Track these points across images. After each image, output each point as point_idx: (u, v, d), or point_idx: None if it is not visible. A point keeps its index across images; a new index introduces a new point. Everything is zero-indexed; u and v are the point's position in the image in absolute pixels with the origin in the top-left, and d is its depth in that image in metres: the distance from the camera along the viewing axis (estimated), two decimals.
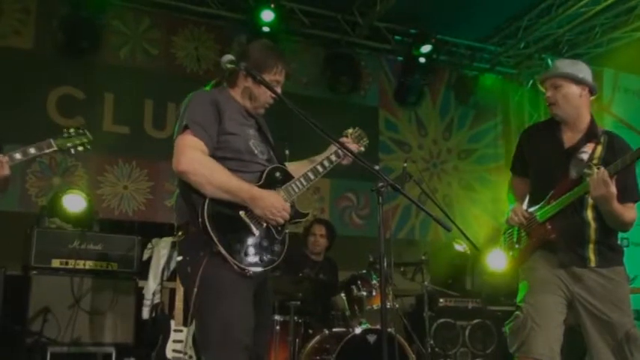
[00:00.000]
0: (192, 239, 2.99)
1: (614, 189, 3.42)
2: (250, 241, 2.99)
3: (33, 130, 6.04)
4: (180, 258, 3.10)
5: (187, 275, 2.99)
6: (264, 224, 3.05)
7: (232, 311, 2.90)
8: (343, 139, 3.54)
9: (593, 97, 3.82)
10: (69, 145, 3.62)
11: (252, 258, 2.97)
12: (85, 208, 6.40)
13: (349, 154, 3.37)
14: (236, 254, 2.91)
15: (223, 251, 2.87)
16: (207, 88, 3.32)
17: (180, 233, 3.09)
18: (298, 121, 3.09)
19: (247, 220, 2.99)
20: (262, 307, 3.17)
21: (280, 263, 3.12)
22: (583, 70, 3.76)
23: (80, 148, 3.67)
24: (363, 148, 3.68)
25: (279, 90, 3.30)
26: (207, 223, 2.88)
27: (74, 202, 6.41)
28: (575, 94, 3.72)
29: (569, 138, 3.78)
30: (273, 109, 3.42)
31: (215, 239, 2.86)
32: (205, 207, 2.91)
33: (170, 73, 7.97)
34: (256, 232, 3.00)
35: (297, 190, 3.24)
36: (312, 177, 3.34)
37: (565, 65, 3.79)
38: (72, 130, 3.66)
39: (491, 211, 9.12)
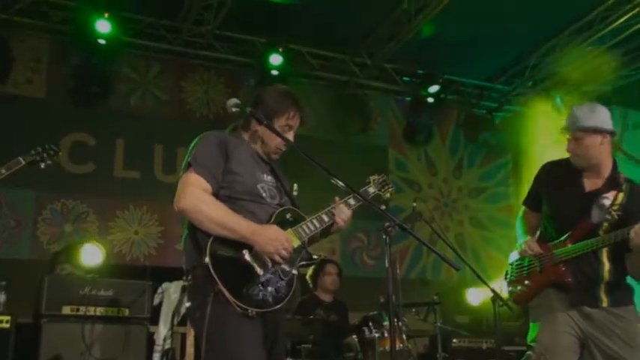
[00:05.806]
0: (198, 283, 2.93)
1: None
2: (254, 281, 2.91)
3: (45, 177, 6.17)
4: (189, 304, 3.05)
5: (196, 320, 2.95)
6: (270, 265, 2.95)
7: (240, 354, 2.85)
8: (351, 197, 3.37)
9: (614, 138, 3.78)
10: (38, 159, 3.77)
11: (255, 298, 2.89)
12: (103, 259, 6.49)
13: (363, 199, 3.29)
14: (238, 294, 2.83)
15: (224, 290, 2.80)
16: (227, 131, 3.32)
17: (189, 278, 3.04)
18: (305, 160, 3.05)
19: (250, 260, 2.90)
20: (275, 354, 3.09)
21: (286, 305, 3.03)
22: (601, 116, 3.71)
23: (49, 162, 3.84)
24: (388, 195, 3.56)
25: (291, 134, 3.24)
26: (210, 263, 2.82)
27: (92, 254, 6.53)
28: (596, 144, 3.68)
29: (589, 182, 3.76)
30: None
31: (216, 278, 2.80)
32: (209, 246, 2.86)
33: (180, 118, 8.05)
34: (260, 272, 2.91)
35: (307, 231, 3.13)
36: (325, 219, 3.22)
37: (584, 116, 3.71)
38: (39, 148, 3.82)
39: (504, 249, 9.04)
